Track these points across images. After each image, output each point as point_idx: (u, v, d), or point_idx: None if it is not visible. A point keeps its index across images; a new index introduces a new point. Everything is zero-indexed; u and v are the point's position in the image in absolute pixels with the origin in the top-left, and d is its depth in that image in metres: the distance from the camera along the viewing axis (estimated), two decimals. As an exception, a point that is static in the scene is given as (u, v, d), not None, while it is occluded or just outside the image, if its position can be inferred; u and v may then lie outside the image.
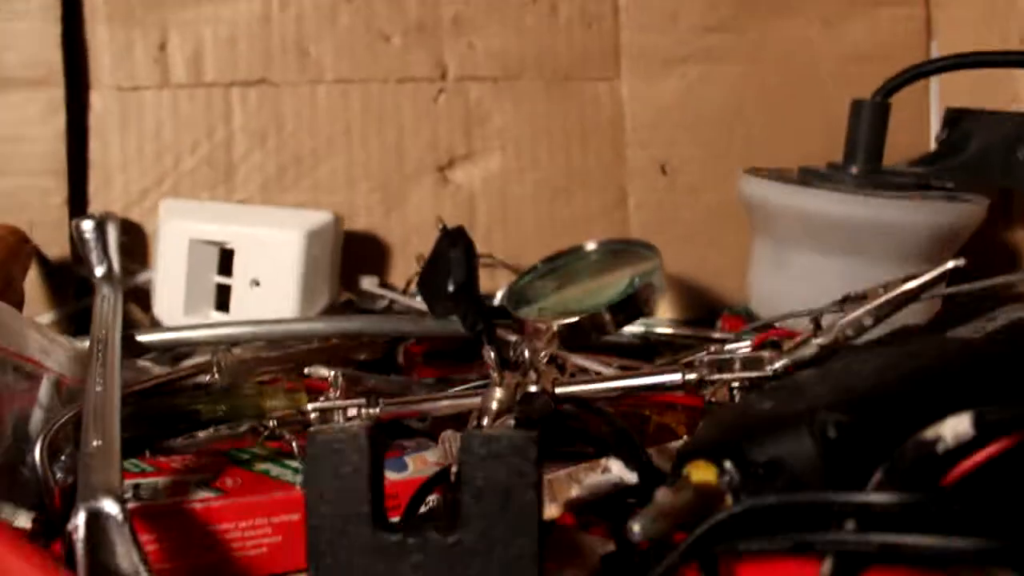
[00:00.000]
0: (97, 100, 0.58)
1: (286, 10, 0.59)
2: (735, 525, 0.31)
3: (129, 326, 0.50)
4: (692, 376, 0.40)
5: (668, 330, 0.57)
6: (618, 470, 0.39)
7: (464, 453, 0.31)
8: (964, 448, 0.31)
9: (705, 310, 0.62)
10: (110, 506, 0.34)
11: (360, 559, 0.32)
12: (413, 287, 0.57)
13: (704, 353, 0.41)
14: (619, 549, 0.37)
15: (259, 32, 0.59)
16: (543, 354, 0.44)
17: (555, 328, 0.49)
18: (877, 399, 0.33)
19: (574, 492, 0.38)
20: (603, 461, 0.40)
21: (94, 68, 0.58)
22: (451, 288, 0.49)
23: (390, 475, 0.40)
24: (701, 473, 0.32)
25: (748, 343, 0.41)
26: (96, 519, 0.33)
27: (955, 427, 0.30)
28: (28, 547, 0.32)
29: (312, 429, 0.33)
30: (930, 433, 0.31)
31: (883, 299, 0.36)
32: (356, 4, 0.59)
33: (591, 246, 0.57)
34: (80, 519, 0.33)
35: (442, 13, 0.60)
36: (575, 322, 0.49)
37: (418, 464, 0.42)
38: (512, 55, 0.61)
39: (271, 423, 0.43)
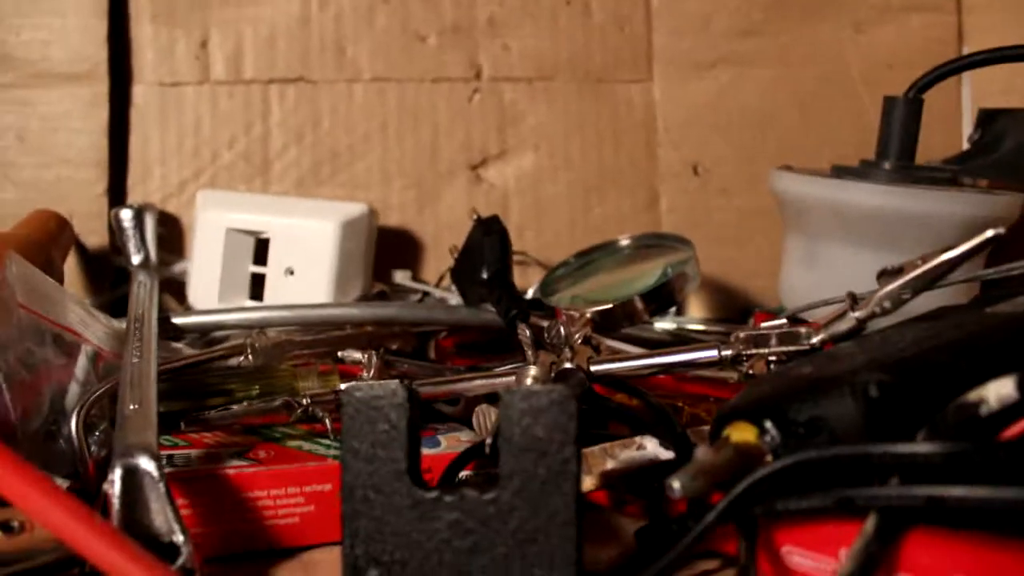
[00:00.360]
0: (139, 95, 0.60)
1: (325, 10, 0.60)
2: (775, 484, 0.30)
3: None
4: (728, 352, 0.40)
5: (700, 327, 0.56)
6: (653, 448, 0.39)
7: (504, 409, 0.31)
8: (1008, 411, 0.30)
9: (737, 311, 0.61)
10: (146, 463, 0.34)
11: (395, 517, 0.32)
12: (446, 281, 0.57)
13: (740, 331, 0.41)
14: (653, 523, 0.36)
15: (298, 31, 0.60)
16: (578, 335, 0.44)
17: (588, 315, 0.49)
18: (918, 363, 0.32)
19: (609, 465, 0.38)
20: (638, 439, 0.40)
21: (137, 64, 0.60)
22: (485, 275, 0.50)
23: (424, 450, 0.40)
24: (741, 433, 0.31)
25: (784, 321, 0.41)
26: (132, 476, 0.34)
27: (999, 390, 0.30)
28: (65, 496, 0.32)
29: (348, 386, 0.33)
30: (973, 396, 0.30)
31: (921, 270, 0.36)
32: (393, 5, 0.61)
33: (625, 241, 0.57)
34: (116, 475, 0.34)
35: (477, 14, 0.61)
36: (607, 309, 0.49)
37: (451, 442, 0.42)
38: (546, 56, 0.61)
39: (305, 400, 0.43)
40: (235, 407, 0.42)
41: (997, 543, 0.28)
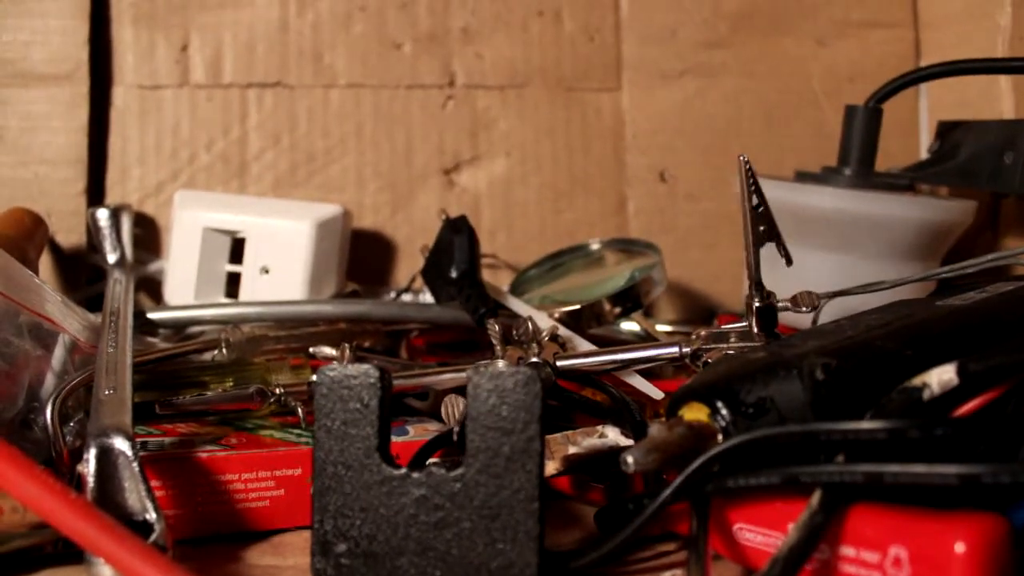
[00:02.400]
0: (119, 97, 0.61)
1: (303, 17, 0.62)
2: (726, 464, 0.32)
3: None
4: (689, 349, 0.41)
5: (666, 328, 0.58)
6: (613, 435, 0.40)
7: (472, 388, 0.32)
8: (949, 396, 0.32)
9: (702, 314, 0.63)
10: (121, 443, 0.35)
11: (364, 493, 0.33)
12: (418, 283, 0.58)
13: (702, 330, 0.42)
14: (611, 505, 0.37)
15: (276, 37, 0.62)
16: (545, 332, 0.46)
17: (556, 315, 0.50)
18: (865, 349, 0.34)
19: (571, 451, 0.39)
20: (599, 428, 0.41)
21: (117, 66, 0.61)
22: (454, 274, 0.51)
23: (392, 438, 0.41)
24: (694, 413, 0.33)
25: (744, 324, 0.42)
26: (106, 455, 0.34)
27: (940, 375, 0.32)
28: (40, 471, 0.32)
29: (322, 367, 0.34)
30: (917, 381, 0.32)
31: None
32: (370, 13, 0.62)
33: (595, 245, 0.59)
34: (91, 454, 0.34)
35: (451, 23, 0.62)
36: (576, 310, 0.51)
37: (419, 431, 0.43)
38: (518, 65, 0.63)
39: (278, 390, 0.44)
40: (209, 393, 0.43)
41: (934, 515, 0.29)
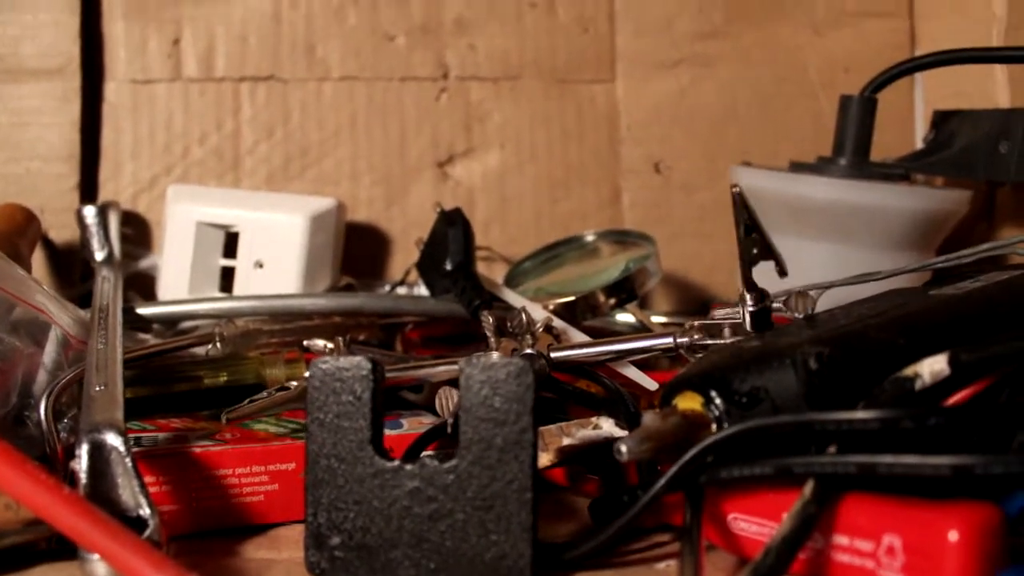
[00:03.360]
0: (111, 91, 0.60)
1: (295, 9, 0.61)
2: (720, 454, 0.32)
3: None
4: (683, 340, 0.41)
5: (661, 319, 0.58)
6: (608, 427, 0.40)
7: (464, 380, 0.32)
8: (941, 386, 0.32)
9: (697, 304, 0.63)
10: (112, 438, 0.35)
11: (358, 486, 0.33)
12: (413, 275, 0.58)
13: (695, 320, 0.42)
14: (606, 496, 0.37)
15: (269, 30, 0.61)
16: (539, 324, 0.46)
17: (551, 307, 0.50)
18: (858, 338, 0.34)
19: (565, 442, 0.39)
20: (594, 419, 0.41)
21: (109, 61, 0.60)
22: (449, 266, 0.51)
23: (386, 431, 0.41)
24: (688, 402, 0.33)
25: (738, 311, 0.42)
26: (99, 451, 0.34)
27: (932, 366, 0.32)
28: (33, 466, 0.32)
29: (314, 361, 0.34)
30: (909, 371, 0.32)
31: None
32: (362, 5, 0.62)
33: (589, 236, 0.59)
34: (83, 450, 0.34)
35: (444, 15, 0.62)
36: (570, 301, 0.51)
37: (413, 424, 0.43)
38: (512, 57, 0.63)
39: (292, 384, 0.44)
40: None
41: (927, 504, 0.29)
